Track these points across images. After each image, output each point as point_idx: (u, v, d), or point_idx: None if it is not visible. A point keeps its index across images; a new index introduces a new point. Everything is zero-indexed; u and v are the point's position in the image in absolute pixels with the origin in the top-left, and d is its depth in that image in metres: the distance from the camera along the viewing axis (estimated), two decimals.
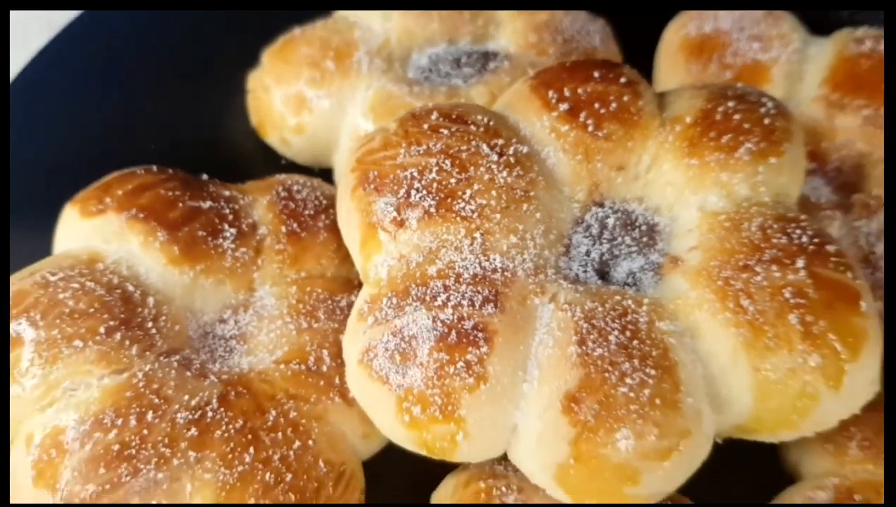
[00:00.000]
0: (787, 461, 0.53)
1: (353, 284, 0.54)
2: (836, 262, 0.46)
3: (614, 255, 0.50)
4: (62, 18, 0.75)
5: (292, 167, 0.67)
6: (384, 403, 0.46)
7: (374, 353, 0.46)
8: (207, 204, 0.53)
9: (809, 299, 0.44)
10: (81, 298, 0.48)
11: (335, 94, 0.62)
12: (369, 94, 0.62)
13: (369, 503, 0.52)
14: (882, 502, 0.46)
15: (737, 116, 0.50)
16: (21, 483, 0.45)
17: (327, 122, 0.63)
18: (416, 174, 0.48)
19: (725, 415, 0.46)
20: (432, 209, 0.47)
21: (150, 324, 0.49)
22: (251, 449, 0.46)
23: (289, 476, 0.46)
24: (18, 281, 0.49)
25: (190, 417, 0.46)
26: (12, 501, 0.46)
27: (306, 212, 0.55)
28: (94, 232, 0.53)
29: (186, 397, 0.47)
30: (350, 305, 0.53)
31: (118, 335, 0.47)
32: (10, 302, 0.48)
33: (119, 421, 0.45)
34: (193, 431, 0.45)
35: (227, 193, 0.56)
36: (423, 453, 0.47)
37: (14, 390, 0.46)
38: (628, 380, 0.43)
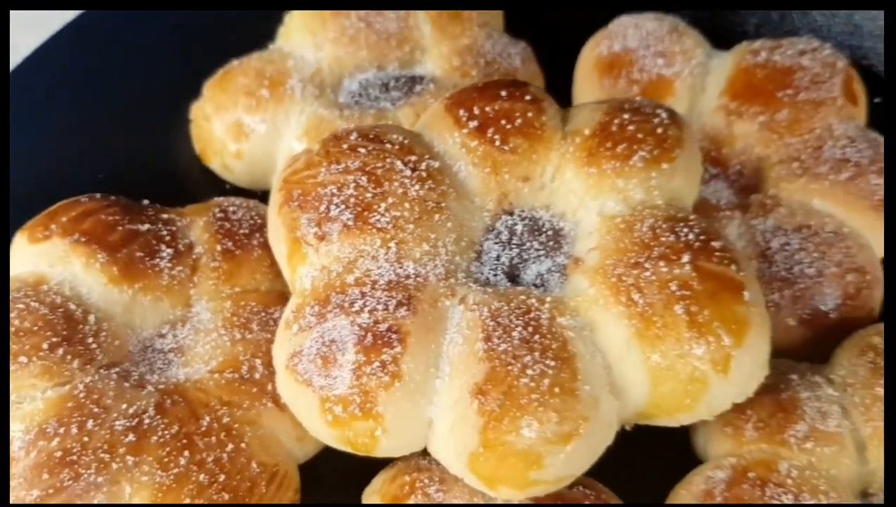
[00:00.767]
0: (697, 446, 0.56)
1: (286, 297, 0.57)
2: (721, 256, 0.50)
3: (523, 259, 0.54)
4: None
5: (236, 191, 0.71)
6: (309, 404, 0.49)
7: (298, 358, 0.49)
8: (146, 227, 0.57)
9: (694, 290, 0.48)
10: (26, 317, 0.52)
11: (270, 120, 0.66)
12: (303, 118, 0.66)
13: (307, 502, 0.56)
14: (772, 476, 0.49)
15: (631, 127, 0.55)
16: None
17: (264, 147, 0.67)
18: (335, 191, 0.52)
19: (626, 401, 0.50)
20: (350, 222, 0.51)
21: (90, 340, 0.52)
22: (186, 453, 0.49)
23: (222, 477, 0.49)
24: None
25: (128, 424, 0.49)
26: None
27: (241, 231, 0.59)
28: (41, 256, 0.56)
29: (125, 406, 0.50)
30: None
31: (60, 351, 0.51)
32: None
33: (61, 430, 0.48)
34: (131, 437, 0.49)
35: (165, 216, 0.59)
36: (349, 450, 0.50)
37: None
38: (529, 371, 0.47)
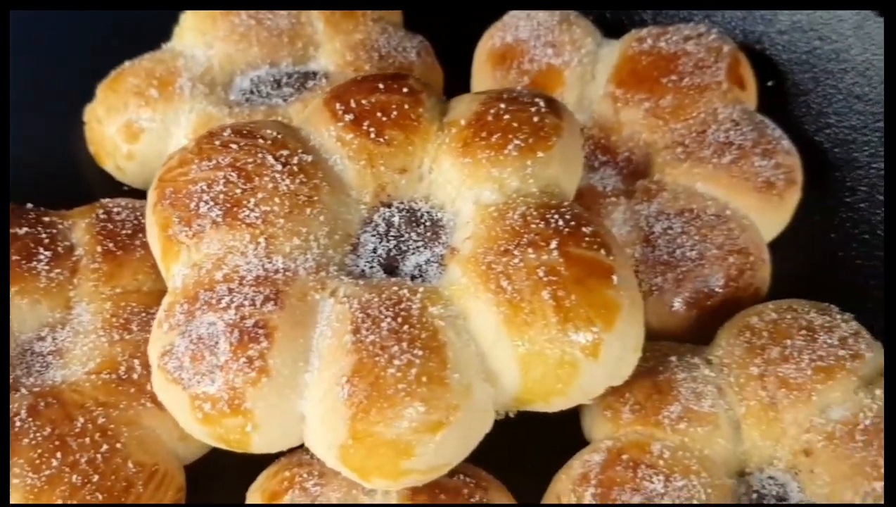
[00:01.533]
0: (584, 430, 0.57)
1: None
2: (591, 241, 0.50)
3: (402, 250, 0.54)
4: None
5: (133, 192, 0.70)
6: (180, 402, 0.49)
7: (168, 357, 0.49)
8: (23, 230, 0.57)
9: (561, 276, 0.49)
10: None
11: (160, 119, 0.66)
12: (192, 117, 0.65)
13: (196, 502, 0.56)
14: (645, 457, 0.50)
15: (507, 116, 0.55)
16: None
17: (155, 147, 0.66)
18: (205, 187, 0.52)
19: (501, 388, 0.50)
20: (219, 219, 0.51)
21: None
22: (58, 454, 0.49)
23: (96, 478, 0.49)
24: None
25: None
26: None
27: (124, 232, 0.59)
28: None
29: None
30: None
31: None
32: None
33: None
34: None
35: (47, 218, 0.59)
36: (224, 447, 0.50)
37: None
38: (396, 361, 0.47)
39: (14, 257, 0.55)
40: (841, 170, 0.68)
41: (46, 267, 0.56)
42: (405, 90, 0.56)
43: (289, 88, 0.68)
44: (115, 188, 0.71)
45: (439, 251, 0.54)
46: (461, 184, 0.54)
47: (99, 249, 0.57)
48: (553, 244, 0.50)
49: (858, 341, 0.52)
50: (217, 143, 0.54)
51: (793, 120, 0.70)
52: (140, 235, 0.59)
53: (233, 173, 0.52)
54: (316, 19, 0.70)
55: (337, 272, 0.51)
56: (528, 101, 0.56)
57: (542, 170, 0.54)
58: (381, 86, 0.57)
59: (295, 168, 0.53)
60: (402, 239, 0.54)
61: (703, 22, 0.72)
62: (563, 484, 0.51)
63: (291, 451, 0.53)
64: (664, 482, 0.48)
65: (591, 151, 0.66)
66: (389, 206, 0.55)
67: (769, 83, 0.72)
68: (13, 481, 0.48)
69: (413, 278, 0.53)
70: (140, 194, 0.69)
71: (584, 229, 0.51)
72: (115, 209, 0.60)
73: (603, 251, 0.50)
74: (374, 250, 0.54)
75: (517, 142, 0.54)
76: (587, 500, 0.49)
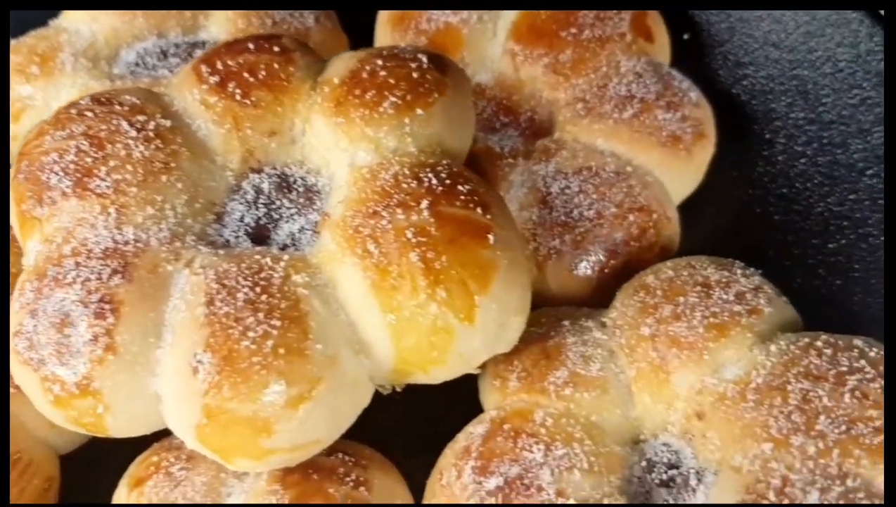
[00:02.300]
0: (482, 401, 0.54)
1: None
2: (466, 200, 0.47)
3: (273, 218, 0.51)
4: None
5: None
6: (32, 385, 0.46)
7: (19, 338, 0.46)
8: None
9: (431, 236, 0.45)
10: None
11: (41, 96, 0.63)
12: (73, 91, 0.62)
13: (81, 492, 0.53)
14: (526, 426, 0.47)
15: (383, 73, 0.51)
16: None
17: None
18: (56, 158, 0.49)
19: (376, 359, 0.47)
20: (68, 190, 0.48)
21: None
22: None
23: None
24: None
25: None
26: None
27: None
28: None
29: None
30: None
31: None
32: None
33: None
34: None
35: None
36: (83, 431, 0.47)
37: None
38: (251, 333, 0.44)
39: None
40: (759, 122, 0.65)
41: None
42: (276, 49, 0.53)
43: (175, 59, 0.64)
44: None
45: (314, 218, 0.51)
46: (335, 145, 0.51)
47: None
48: (424, 204, 0.46)
49: (758, 295, 0.49)
50: (73, 112, 0.51)
51: (709, 73, 0.67)
52: None
53: (84, 142, 0.49)
54: None
55: (195, 242, 0.48)
56: (409, 56, 0.53)
57: (422, 128, 0.51)
58: (251, 46, 0.53)
59: (151, 134, 0.49)
60: (274, 206, 0.51)
61: None
62: (447, 459, 0.48)
63: (168, 435, 0.50)
64: (544, 452, 0.45)
65: (492, 112, 0.62)
66: (260, 172, 0.52)
67: (685, 36, 0.68)
68: None
69: (285, 247, 0.50)
70: None
71: (459, 188, 0.48)
72: None
73: (479, 210, 0.47)
74: (242, 219, 0.51)
75: (393, 99, 0.51)
76: (467, 473, 0.46)
